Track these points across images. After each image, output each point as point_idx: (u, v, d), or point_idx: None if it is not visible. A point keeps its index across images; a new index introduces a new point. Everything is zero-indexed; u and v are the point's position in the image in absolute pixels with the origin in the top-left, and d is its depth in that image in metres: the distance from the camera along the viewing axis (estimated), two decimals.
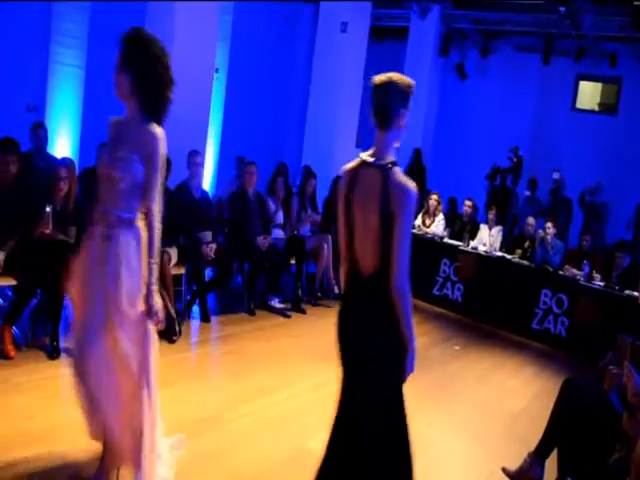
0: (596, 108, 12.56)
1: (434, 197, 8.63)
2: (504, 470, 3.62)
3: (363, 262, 2.42)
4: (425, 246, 8.16)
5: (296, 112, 11.99)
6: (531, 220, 8.23)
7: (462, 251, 7.97)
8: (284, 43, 12.04)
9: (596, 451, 3.15)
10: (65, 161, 4.72)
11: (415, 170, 11.35)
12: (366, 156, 2.48)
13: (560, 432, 3.42)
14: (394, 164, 2.41)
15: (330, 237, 7.05)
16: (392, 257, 2.29)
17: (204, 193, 5.94)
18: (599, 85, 12.58)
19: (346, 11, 9.33)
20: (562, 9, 9.73)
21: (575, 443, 3.33)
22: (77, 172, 4.48)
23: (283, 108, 12.11)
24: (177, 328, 4.71)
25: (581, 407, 3.34)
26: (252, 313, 5.89)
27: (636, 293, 6.58)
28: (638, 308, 6.10)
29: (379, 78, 2.55)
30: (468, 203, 8.83)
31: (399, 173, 2.38)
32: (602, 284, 6.90)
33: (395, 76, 2.55)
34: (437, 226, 8.52)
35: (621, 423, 2.95)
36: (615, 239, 8.06)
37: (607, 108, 12.30)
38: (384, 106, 2.48)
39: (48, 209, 3.98)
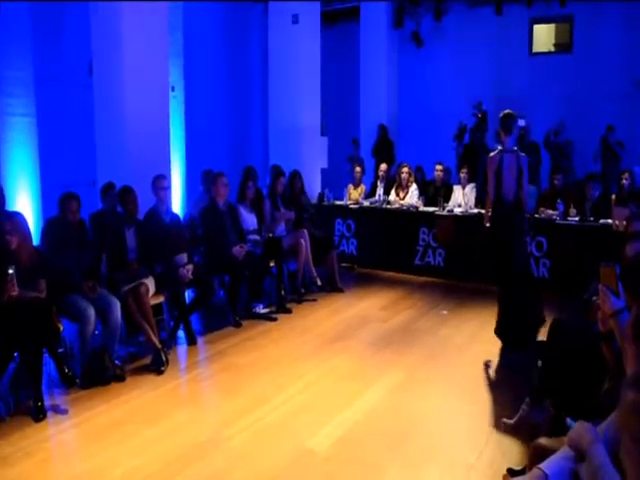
0: (552, 49, 12.64)
1: (405, 169, 8.72)
2: (504, 422, 3.73)
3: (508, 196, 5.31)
4: (402, 218, 8.29)
5: (258, 113, 12.06)
6: None
7: (438, 216, 8.07)
8: (237, 47, 12.08)
9: (589, 386, 3.24)
10: (8, 214, 4.57)
11: (383, 146, 11.42)
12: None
13: (553, 373, 3.49)
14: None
15: (306, 231, 7.17)
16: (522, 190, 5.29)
17: (174, 216, 5.97)
18: (552, 26, 12.69)
19: (295, 3, 9.33)
20: None
21: (568, 382, 3.41)
22: (26, 223, 4.39)
23: (244, 112, 12.16)
24: (164, 358, 4.80)
25: (570, 345, 3.40)
26: (238, 325, 5.96)
27: (610, 221, 6.73)
28: (613, 234, 6.24)
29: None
30: (439, 167, 8.92)
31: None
32: (577, 219, 7.01)
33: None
34: (411, 197, 8.61)
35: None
36: (584, 174, 8.13)
37: (562, 47, 12.44)
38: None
39: (11, 270, 3.95)
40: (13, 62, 7.98)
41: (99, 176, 6.45)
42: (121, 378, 4.58)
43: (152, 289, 5.18)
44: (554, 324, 3.64)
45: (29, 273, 4.19)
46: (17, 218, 4.32)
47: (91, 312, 4.47)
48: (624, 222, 5.10)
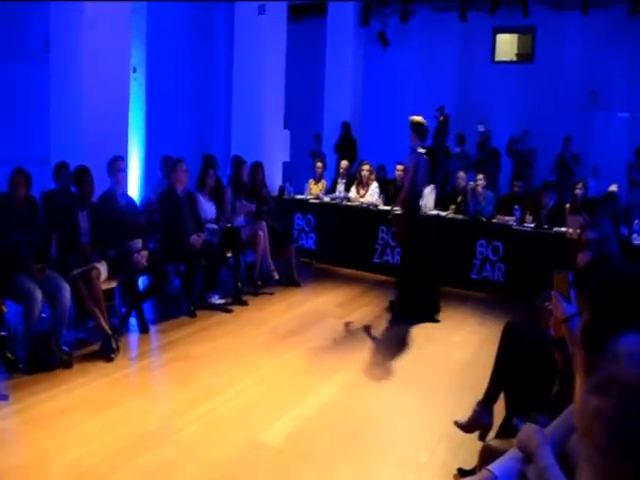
0: (514, 58, 12.86)
1: (365, 167, 8.72)
2: (456, 423, 3.72)
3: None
4: (361, 216, 8.28)
5: (221, 102, 11.89)
6: (461, 174, 8.42)
7: (397, 215, 8.07)
8: (202, 33, 11.90)
9: (539, 389, 3.27)
10: None
11: (345, 143, 11.40)
12: None
13: (504, 376, 3.51)
14: None
15: (265, 223, 7.08)
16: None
17: (130, 200, 5.79)
18: (515, 36, 12.91)
19: None
20: None
21: (519, 384, 3.44)
22: None
23: (207, 100, 12.00)
24: (114, 345, 4.65)
25: (522, 348, 3.44)
26: (193, 315, 5.83)
27: (564, 229, 6.89)
28: (567, 242, 6.37)
29: None
30: (399, 167, 8.90)
31: None
32: (533, 226, 7.13)
33: None
34: (372, 195, 8.61)
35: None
36: (542, 182, 8.30)
37: (524, 57, 12.66)
38: None
39: None
40: None
41: (53, 154, 6.24)
42: (68, 364, 4.41)
43: (104, 274, 5.01)
44: (507, 327, 3.66)
45: None
46: None
47: (38, 294, 4.29)
48: (577, 230, 5.20)
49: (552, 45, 11.89)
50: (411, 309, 6.20)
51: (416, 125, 6.27)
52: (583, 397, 1.03)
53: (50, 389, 4.07)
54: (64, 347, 4.54)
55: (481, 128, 10.45)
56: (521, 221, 7.23)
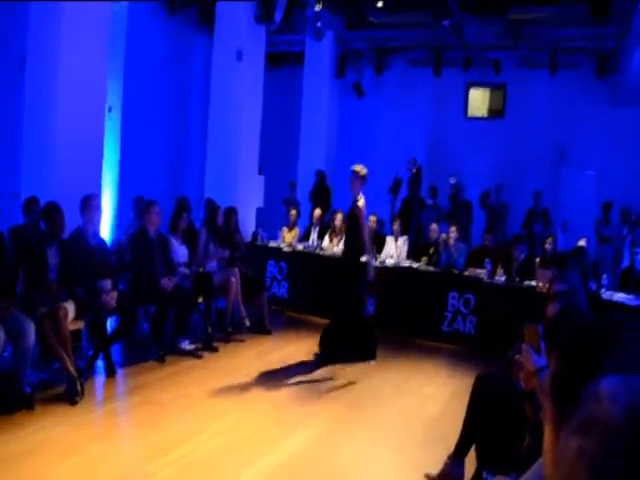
0: (486, 114, 13.19)
1: (339, 216, 8.74)
2: (427, 476, 3.65)
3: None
4: (334, 265, 8.22)
5: (196, 145, 11.90)
6: (434, 226, 8.47)
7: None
8: (179, 76, 11.97)
9: (510, 442, 3.22)
10: None
11: (320, 192, 11.46)
12: None
13: (475, 428, 3.49)
14: None
15: (237, 270, 6.99)
16: None
17: (101, 240, 5.69)
18: (487, 92, 13.24)
19: (240, 39, 9.31)
20: (446, 22, 10.26)
21: (490, 437, 3.40)
22: None
23: (182, 142, 11.99)
24: (79, 388, 4.46)
25: (493, 400, 3.41)
26: (162, 359, 5.66)
27: (534, 282, 6.95)
28: (537, 295, 6.42)
29: None
30: (372, 218, 8.97)
31: None
32: (504, 279, 7.18)
33: None
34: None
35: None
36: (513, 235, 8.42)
37: (495, 113, 12.99)
38: None
39: None
40: None
41: (23, 189, 6.11)
42: (30, 406, 4.22)
43: (72, 313, 4.85)
44: (478, 379, 3.65)
45: None
46: None
47: (0, 333, 4.11)
48: (547, 284, 5.25)
49: (522, 102, 12.25)
50: (340, 350, 6.29)
51: (360, 175, 6.41)
52: (562, 441, 0.99)
53: (10, 432, 3.87)
54: (26, 388, 4.34)
55: (453, 181, 10.62)
56: (492, 274, 7.28)
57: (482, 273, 7.37)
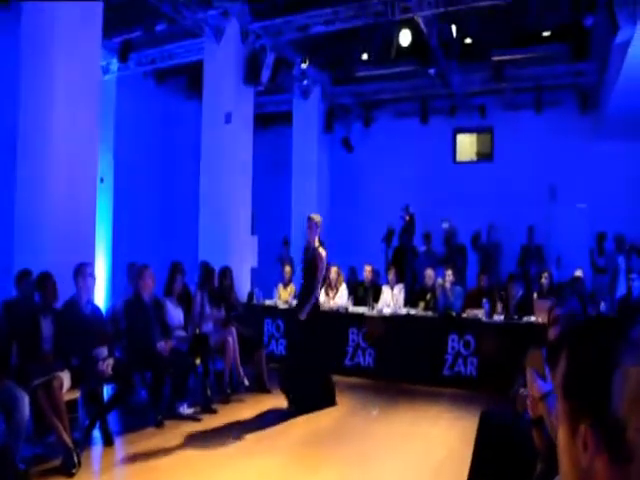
0: (474, 158, 13.39)
1: (334, 270, 8.77)
2: None
3: None
4: (331, 319, 8.19)
5: (188, 208, 12.02)
6: (429, 272, 8.50)
7: (368, 316, 8.06)
8: (169, 141, 12.20)
9: (520, 474, 3.15)
10: None
11: None
12: None
13: (484, 466, 3.41)
14: None
15: (234, 329, 6.96)
16: None
17: (95, 307, 5.67)
18: (474, 136, 13.49)
19: (229, 101, 9.51)
20: (432, 71, 10.50)
21: (500, 473, 3.33)
22: None
23: (174, 206, 12.10)
24: (75, 459, 4.36)
25: (500, 436, 3.35)
26: (160, 425, 5.55)
27: (533, 318, 6.93)
28: (537, 331, 6.38)
29: None
30: (367, 268, 9.02)
31: None
32: (502, 317, 7.16)
33: None
34: (341, 297, 8.61)
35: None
36: (508, 274, 8.43)
37: (484, 156, 13.19)
38: None
39: None
40: None
41: (16, 263, 6.15)
42: None
43: (67, 384, 4.78)
44: (483, 416, 3.60)
45: None
46: None
47: None
48: (545, 313, 5.24)
49: (510, 143, 12.48)
50: (309, 400, 6.30)
51: (317, 222, 6.54)
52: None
53: None
54: (20, 465, 4.25)
55: (445, 225, 10.69)
56: (490, 314, 7.27)
57: (480, 313, 7.36)
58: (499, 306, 7.28)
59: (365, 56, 10.73)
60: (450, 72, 10.94)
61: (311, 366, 6.36)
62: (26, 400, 4.28)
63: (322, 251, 6.43)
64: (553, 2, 8.54)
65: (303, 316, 6.30)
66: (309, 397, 6.33)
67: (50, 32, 6.47)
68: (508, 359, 6.41)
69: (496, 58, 10.49)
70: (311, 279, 6.40)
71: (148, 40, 10.08)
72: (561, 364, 1.10)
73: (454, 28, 9.37)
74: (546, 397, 2.28)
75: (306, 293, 6.42)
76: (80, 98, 6.67)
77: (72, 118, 6.55)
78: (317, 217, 6.60)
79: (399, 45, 9.25)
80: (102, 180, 9.38)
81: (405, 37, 9.17)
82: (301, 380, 6.37)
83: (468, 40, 9.97)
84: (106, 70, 10.31)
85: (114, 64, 10.62)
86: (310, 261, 6.45)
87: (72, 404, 4.95)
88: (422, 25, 8.96)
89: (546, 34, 9.86)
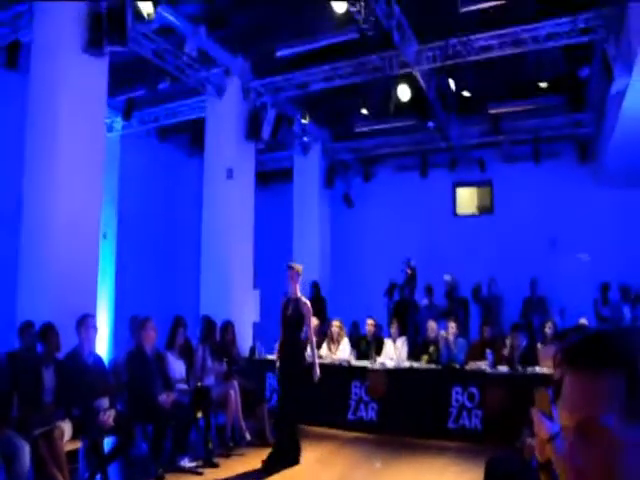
0: (475, 211, 13.50)
1: (336, 324, 8.77)
2: None
3: None
4: (334, 373, 8.11)
5: (190, 264, 12.07)
6: (432, 324, 8.46)
7: (370, 370, 7.98)
8: (171, 197, 12.37)
9: None
10: None
11: (316, 303, 11.48)
12: None
13: None
14: None
15: (236, 383, 6.89)
16: None
17: (97, 358, 5.70)
18: (474, 190, 13.62)
19: (230, 158, 9.68)
20: (430, 124, 10.71)
21: None
22: None
23: (176, 262, 12.16)
24: None
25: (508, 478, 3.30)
26: (161, 478, 5.43)
27: (538, 368, 6.85)
28: (543, 381, 6.30)
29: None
30: (370, 322, 8.99)
31: None
32: (507, 368, 7.08)
33: None
34: (343, 351, 8.56)
35: None
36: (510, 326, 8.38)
37: (484, 209, 13.29)
38: None
39: None
40: None
41: (19, 315, 6.16)
42: None
43: (68, 434, 4.77)
44: (490, 463, 3.55)
45: None
46: None
47: None
48: (550, 360, 5.20)
49: (510, 196, 12.58)
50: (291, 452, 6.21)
51: (298, 272, 6.47)
52: None
53: None
54: None
55: (447, 278, 10.70)
56: (494, 364, 7.20)
57: (484, 365, 7.29)
58: (504, 351, 7.21)
59: (364, 111, 10.95)
60: (449, 125, 11.17)
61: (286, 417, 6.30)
62: (27, 450, 4.25)
63: (305, 300, 6.37)
64: (549, 54, 8.70)
65: (316, 377, 6.24)
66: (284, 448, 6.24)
67: (56, 91, 6.68)
68: (513, 410, 6.36)
69: (493, 111, 10.72)
70: (300, 332, 6.30)
71: (151, 99, 10.36)
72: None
73: (452, 82, 9.58)
74: (554, 438, 2.25)
75: (296, 348, 6.30)
76: (85, 156, 6.84)
77: (77, 175, 6.71)
78: (298, 266, 6.55)
79: (398, 100, 9.44)
80: (105, 236, 9.46)
81: (404, 92, 9.35)
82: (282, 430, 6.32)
83: (466, 93, 10.16)
84: (110, 128, 10.53)
85: (118, 122, 10.87)
86: (294, 314, 6.29)
87: (73, 455, 4.90)
88: (420, 79, 9.22)
89: (543, 85, 10.02)
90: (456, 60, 8.62)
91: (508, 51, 8.38)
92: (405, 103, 9.56)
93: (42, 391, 4.88)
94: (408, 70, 9.02)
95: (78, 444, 4.96)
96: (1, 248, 8.11)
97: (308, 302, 6.37)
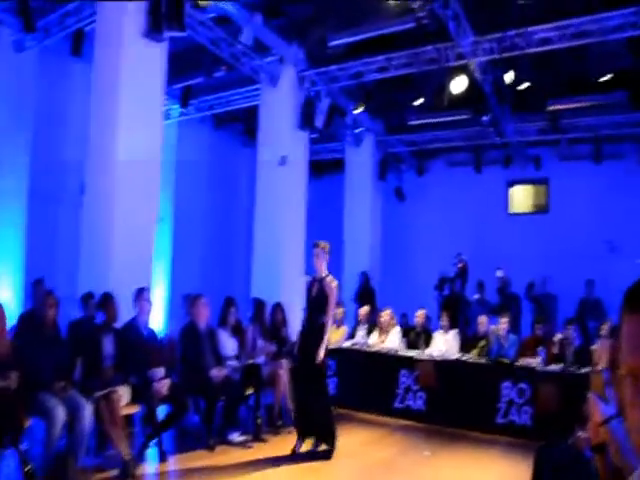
0: (529, 209, 13.27)
1: (386, 313, 8.74)
2: None
3: None
4: (382, 361, 8.15)
5: (242, 248, 12.25)
6: (483, 318, 8.34)
7: (420, 360, 7.96)
8: (226, 182, 12.60)
9: None
10: None
11: (365, 293, 11.52)
12: None
13: None
14: None
15: (285, 362, 6.98)
16: None
17: (151, 331, 5.86)
18: (529, 188, 13.39)
19: (284, 145, 9.77)
20: (485, 119, 10.50)
21: None
22: (4, 315, 4.32)
23: (229, 245, 12.37)
24: (131, 471, 4.45)
25: (558, 469, 3.25)
26: (212, 449, 5.60)
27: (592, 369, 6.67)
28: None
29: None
30: (419, 313, 8.94)
31: None
32: (559, 367, 6.95)
33: None
34: (392, 340, 8.55)
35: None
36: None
37: (539, 208, 13.05)
38: None
39: None
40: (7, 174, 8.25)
41: (80, 288, 6.41)
42: None
43: (126, 398, 4.96)
44: (540, 452, 3.51)
45: (1, 363, 4.01)
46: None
47: (60, 412, 4.22)
48: (607, 353, 5.10)
49: (566, 195, 12.32)
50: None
51: (326, 250, 5.98)
52: None
53: None
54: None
55: (500, 274, 10.54)
56: (547, 362, 7.07)
57: (535, 362, 7.17)
58: (554, 348, 7.07)
59: (418, 101, 10.85)
60: (504, 120, 10.98)
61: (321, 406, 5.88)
62: (89, 409, 4.42)
63: (333, 281, 5.87)
64: (612, 47, 8.44)
65: (319, 360, 5.67)
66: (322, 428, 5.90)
67: (118, 78, 6.90)
68: (565, 409, 6.25)
69: (552, 107, 10.45)
70: (322, 315, 5.76)
71: (207, 87, 10.54)
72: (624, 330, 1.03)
73: (509, 75, 9.39)
74: (609, 421, 2.19)
75: (318, 333, 5.73)
76: (144, 141, 7.05)
77: (136, 160, 6.91)
78: (324, 243, 6.04)
79: (452, 92, 9.31)
80: (162, 219, 9.72)
81: (458, 84, 9.18)
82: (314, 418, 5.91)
83: (523, 86, 9.90)
84: (167, 115, 10.77)
85: (175, 109, 11.11)
86: (318, 295, 5.84)
87: (130, 420, 5.06)
88: (476, 72, 9.10)
89: (604, 79, 9.67)
90: (513, 52, 8.45)
91: (568, 44, 8.15)
92: (460, 96, 9.36)
93: (102, 357, 5.08)
94: (464, 62, 8.90)
95: (135, 409, 5.13)
96: (65, 225, 8.46)
97: (335, 282, 5.87)
